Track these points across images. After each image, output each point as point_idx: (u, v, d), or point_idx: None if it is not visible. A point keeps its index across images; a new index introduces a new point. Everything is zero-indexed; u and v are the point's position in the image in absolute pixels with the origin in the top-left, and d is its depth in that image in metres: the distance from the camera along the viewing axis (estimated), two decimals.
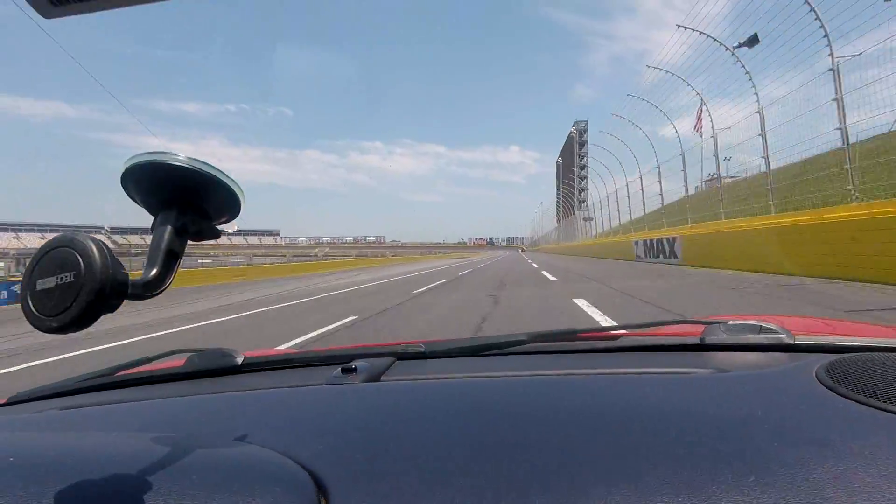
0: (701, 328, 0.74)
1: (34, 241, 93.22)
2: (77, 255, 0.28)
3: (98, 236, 0.41)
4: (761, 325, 0.70)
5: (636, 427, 0.42)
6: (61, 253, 0.29)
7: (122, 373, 0.83)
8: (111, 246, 0.40)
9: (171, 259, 0.33)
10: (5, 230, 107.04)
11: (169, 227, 0.34)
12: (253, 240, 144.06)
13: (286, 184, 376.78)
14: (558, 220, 57.04)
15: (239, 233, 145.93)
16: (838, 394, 0.45)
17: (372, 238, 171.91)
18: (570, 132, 49.74)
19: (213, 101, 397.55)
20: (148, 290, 0.32)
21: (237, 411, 0.58)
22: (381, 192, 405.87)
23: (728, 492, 0.31)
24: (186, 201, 0.35)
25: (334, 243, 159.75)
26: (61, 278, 0.28)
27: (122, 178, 0.33)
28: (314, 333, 4.82)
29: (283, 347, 3.22)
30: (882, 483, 0.31)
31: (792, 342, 0.67)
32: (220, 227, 0.37)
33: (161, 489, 0.32)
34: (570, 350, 0.78)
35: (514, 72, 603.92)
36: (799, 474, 0.33)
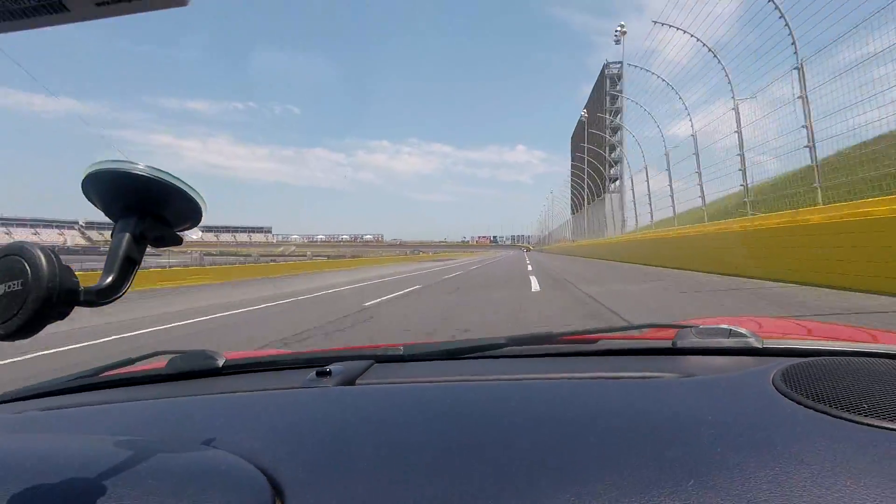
0: (674, 332, 0.76)
1: (25, 236, 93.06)
2: (25, 263, 0.29)
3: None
4: (731, 329, 0.73)
5: (597, 432, 0.44)
6: (9, 261, 0.29)
7: (106, 374, 0.84)
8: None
9: (128, 265, 0.34)
10: None
11: (128, 234, 0.35)
12: (242, 236, 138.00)
13: (294, 182, 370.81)
14: (575, 209, 43.87)
15: (227, 229, 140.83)
16: (790, 398, 0.47)
17: (369, 236, 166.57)
18: (603, 70, 33.97)
19: (221, 99, 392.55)
20: (102, 296, 0.32)
21: (212, 414, 0.60)
22: (387, 191, 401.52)
23: (667, 496, 0.33)
24: (147, 209, 0.35)
25: (328, 241, 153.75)
26: (9, 286, 0.29)
27: (82, 184, 0.34)
28: None
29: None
30: (813, 485, 0.33)
31: (759, 346, 0.69)
32: (182, 233, 0.38)
33: (114, 494, 0.33)
34: (547, 353, 0.79)
35: (520, 71, 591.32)
36: (737, 478, 0.34)
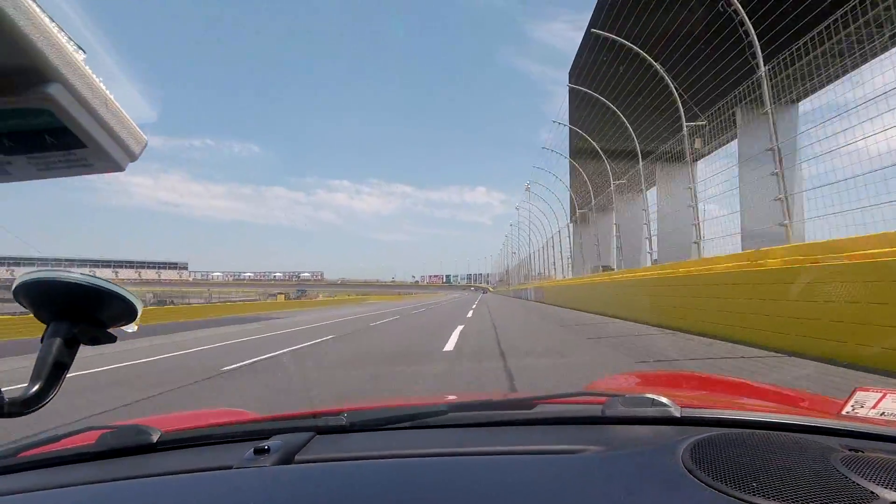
0: (605, 400, 0.82)
1: None
2: None
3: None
4: (653, 399, 0.79)
5: None
6: None
7: (26, 454, 0.81)
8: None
9: (57, 371, 0.35)
10: None
11: (59, 339, 0.36)
12: (149, 273, 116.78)
13: (252, 220, 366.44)
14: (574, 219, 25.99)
15: (130, 264, 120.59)
16: (694, 475, 0.52)
17: (307, 274, 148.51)
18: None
19: (175, 136, 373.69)
20: (27, 406, 0.33)
21: (141, 501, 0.60)
22: (346, 230, 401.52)
23: None
24: (80, 312, 0.36)
25: (258, 279, 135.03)
26: None
27: (14, 291, 0.35)
28: None
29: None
30: None
31: (678, 416, 0.75)
32: (116, 330, 0.39)
33: None
34: (487, 422, 0.83)
35: (482, 116, 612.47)
36: None
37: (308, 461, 0.69)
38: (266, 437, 0.74)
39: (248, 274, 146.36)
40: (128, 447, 0.79)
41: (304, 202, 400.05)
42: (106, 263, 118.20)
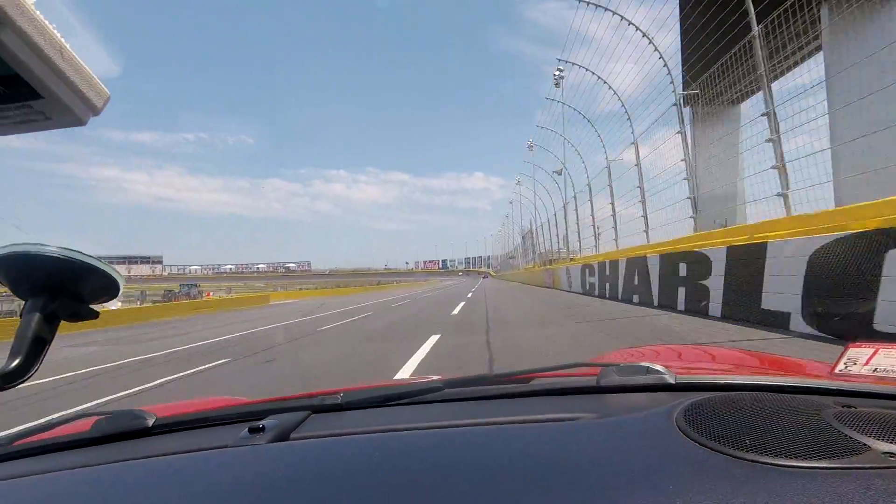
0: (599, 370, 0.82)
1: None
2: None
3: None
4: (648, 367, 0.79)
5: (519, 477, 0.49)
6: None
7: (21, 441, 0.82)
8: None
9: (37, 346, 0.35)
10: None
11: (37, 315, 0.36)
12: (119, 269, 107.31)
13: (248, 213, 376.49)
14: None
15: (101, 259, 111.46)
16: (688, 437, 0.52)
17: (292, 265, 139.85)
18: None
19: (169, 131, 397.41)
20: (8, 381, 0.33)
21: (138, 481, 0.60)
22: (344, 220, 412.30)
23: None
24: (59, 287, 0.36)
25: (239, 272, 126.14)
26: None
27: None
28: None
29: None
30: None
31: (672, 381, 0.75)
32: (98, 306, 0.39)
33: None
34: (483, 396, 0.83)
35: (477, 99, 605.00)
36: None
37: (303, 438, 0.69)
38: (261, 418, 0.74)
39: (229, 266, 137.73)
40: (123, 432, 0.80)
41: (302, 193, 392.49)
42: None
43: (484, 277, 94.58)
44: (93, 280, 0.36)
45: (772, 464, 0.45)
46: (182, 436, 0.80)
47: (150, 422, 0.79)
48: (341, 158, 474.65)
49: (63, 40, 0.27)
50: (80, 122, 0.30)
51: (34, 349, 0.34)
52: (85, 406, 3.96)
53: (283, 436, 0.68)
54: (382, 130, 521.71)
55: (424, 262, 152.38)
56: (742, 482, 0.42)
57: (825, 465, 0.44)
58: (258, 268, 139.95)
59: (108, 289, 0.38)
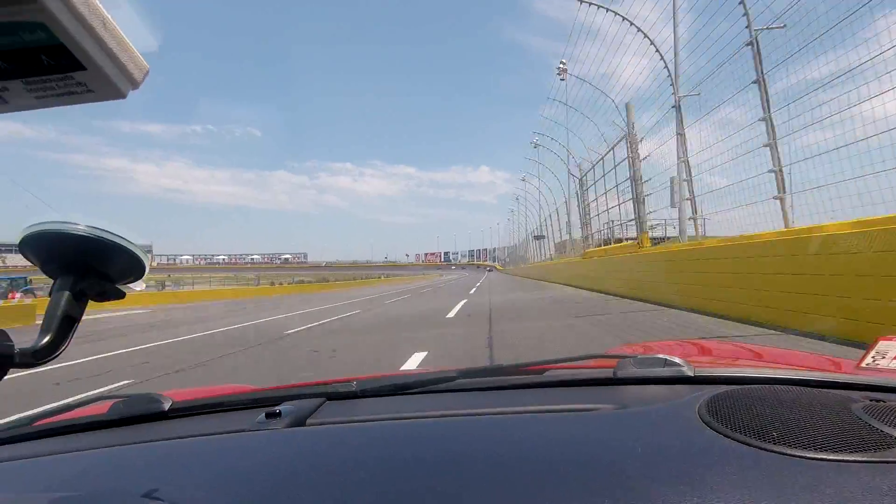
0: (615, 362, 0.80)
1: None
2: None
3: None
4: (665, 359, 0.77)
5: (537, 466, 0.48)
6: None
7: (41, 422, 0.82)
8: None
9: (67, 325, 0.36)
10: None
11: (67, 293, 0.36)
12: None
13: (256, 205, 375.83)
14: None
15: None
16: (712, 428, 0.51)
17: (288, 256, 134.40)
18: None
19: (177, 122, 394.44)
20: (38, 357, 0.34)
21: (155, 463, 0.61)
22: (350, 213, 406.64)
23: None
24: (87, 266, 0.37)
25: (233, 263, 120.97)
26: None
27: (19, 244, 0.36)
28: None
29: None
30: None
31: (691, 374, 0.74)
32: (125, 287, 0.40)
33: None
34: (496, 386, 0.82)
35: (483, 93, 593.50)
36: None
37: (319, 424, 0.69)
38: (276, 404, 0.74)
39: (222, 257, 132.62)
40: (140, 415, 0.80)
41: (308, 186, 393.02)
42: None
43: (489, 271, 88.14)
44: (120, 260, 0.36)
45: (801, 456, 0.44)
46: (198, 420, 0.80)
47: (167, 406, 0.79)
48: (347, 151, 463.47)
49: (105, 11, 0.28)
50: (120, 95, 0.30)
51: (64, 327, 0.35)
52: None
53: (299, 421, 0.68)
54: (388, 123, 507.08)
55: (426, 254, 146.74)
56: (771, 474, 0.41)
57: (857, 458, 0.43)
58: (252, 259, 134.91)
59: (134, 269, 0.38)
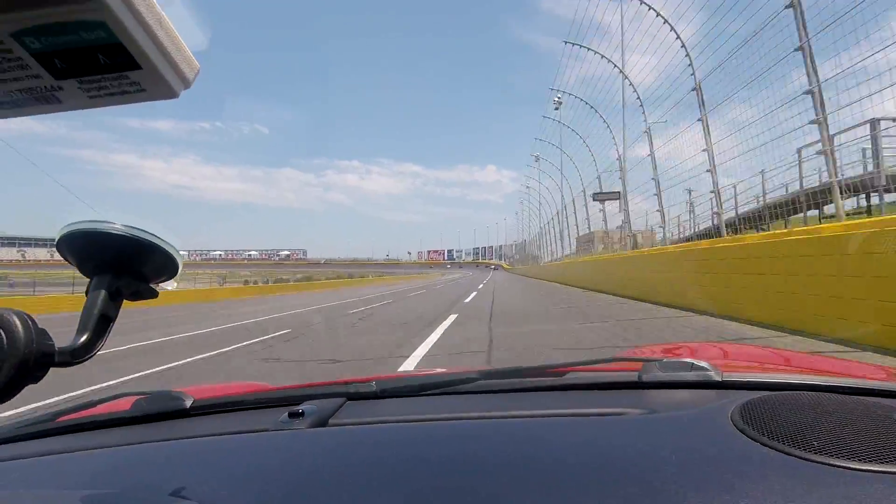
0: (640, 366, 0.79)
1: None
2: (1, 331, 0.30)
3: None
4: (692, 363, 0.76)
5: (564, 471, 0.48)
6: None
7: (64, 418, 0.83)
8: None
9: (103, 324, 0.36)
10: None
11: (103, 292, 0.36)
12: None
13: (263, 202, 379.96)
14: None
15: (42, 242, 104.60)
16: (747, 435, 0.50)
17: (286, 252, 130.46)
18: None
19: (185, 119, 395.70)
20: (76, 356, 0.34)
21: (178, 461, 0.61)
22: (356, 210, 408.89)
23: None
24: (122, 265, 0.37)
25: (230, 259, 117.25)
26: None
27: (56, 243, 0.36)
28: None
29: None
30: None
31: (719, 379, 0.72)
32: (158, 286, 0.40)
33: None
34: (518, 388, 0.81)
35: (490, 92, 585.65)
36: None
37: (342, 424, 0.69)
38: (297, 404, 0.74)
39: (218, 252, 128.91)
40: (161, 412, 0.80)
41: (315, 183, 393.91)
42: (9, 241, 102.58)
43: (494, 269, 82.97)
44: (154, 259, 0.36)
45: (845, 467, 0.42)
46: (220, 418, 0.79)
47: (188, 403, 0.79)
48: (354, 149, 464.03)
49: (161, 10, 0.27)
50: (173, 94, 0.30)
51: (100, 326, 0.35)
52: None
53: (321, 422, 0.69)
54: (396, 121, 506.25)
55: (428, 252, 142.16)
56: (815, 484, 0.40)
57: None
58: (250, 255, 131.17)
59: (168, 268, 0.38)
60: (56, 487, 0.54)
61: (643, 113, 12.10)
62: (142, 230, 0.35)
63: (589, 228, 17.69)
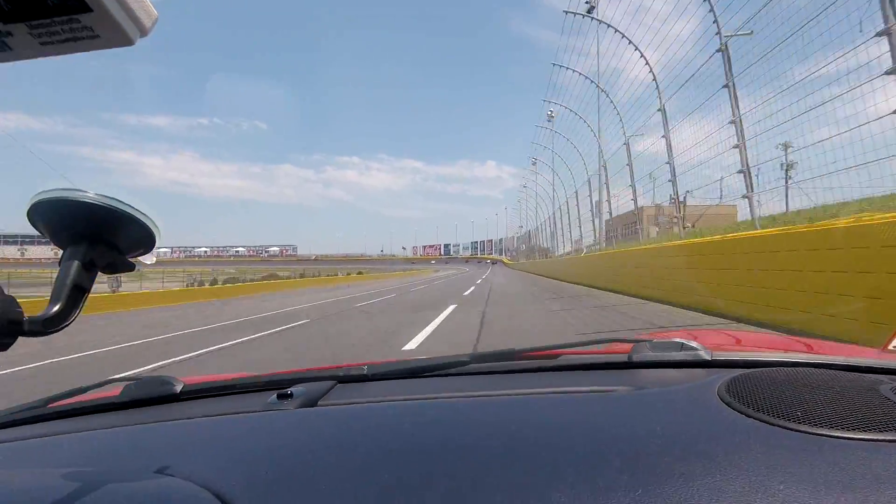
0: (630, 346, 0.80)
1: None
2: None
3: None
4: (682, 343, 0.77)
5: (554, 446, 0.48)
6: None
7: (55, 404, 0.83)
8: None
9: (77, 294, 0.35)
10: None
11: (76, 262, 0.36)
12: (36, 250, 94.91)
13: (262, 199, 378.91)
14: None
15: (14, 239, 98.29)
16: (733, 408, 0.51)
17: (274, 248, 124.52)
18: None
19: (183, 115, 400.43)
20: (48, 326, 0.33)
21: (167, 442, 0.61)
22: (356, 206, 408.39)
23: None
24: (97, 236, 0.36)
25: (216, 256, 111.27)
26: None
27: (28, 214, 0.35)
28: None
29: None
30: (751, 490, 0.37)
31: (708, 358, 0.73)
32: (135, 259, 0.39)
33: None
34: (509, 370, 0.82)
35: (490, 87, 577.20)
36: (682, 486, 0.38)
37: (331, 405, 0.70)
38: (287, 387, 0.74)
39: (203, 249, 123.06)
40: (152, 397, 0.80)
41: (314, 179, 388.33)
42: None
43: (492, 264, 77.02)
44: (131, 230, 0.35)
45: (829, 435, 0.43)
46: (210, 402, 0.80)
47: (178, 388, 0.80)
48: (354, 145, 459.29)
49: None
50: (128, 42, 0.28)
51: (73, 297, 0.34)
52: None
53: (310, 402, 0.68)
54: (396, 117, 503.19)
55: (424, 247, 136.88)
56: (798, 452, 0.41)
57: (888, 437, 0.42)
58: (237, 251, 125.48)
59: (145, 240, 0.37)
60: (48, 468, 0.54)
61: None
62: (117, 199, 0.34)
63: (636, 204, 11.93)
